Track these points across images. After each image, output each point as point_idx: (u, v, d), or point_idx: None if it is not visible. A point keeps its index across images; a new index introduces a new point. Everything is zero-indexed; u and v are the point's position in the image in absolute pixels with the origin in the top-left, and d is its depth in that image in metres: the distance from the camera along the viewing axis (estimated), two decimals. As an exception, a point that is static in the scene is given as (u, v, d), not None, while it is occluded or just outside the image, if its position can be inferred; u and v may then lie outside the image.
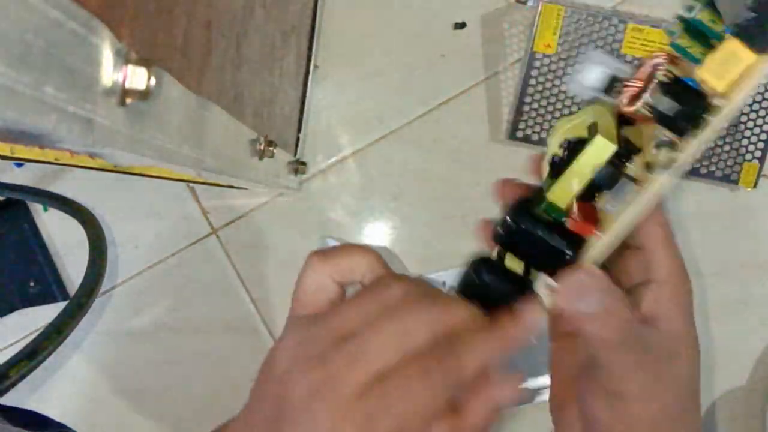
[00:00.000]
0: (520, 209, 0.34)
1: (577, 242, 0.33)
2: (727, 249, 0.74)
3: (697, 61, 0.29)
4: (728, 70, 0.27)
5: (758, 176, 0.71)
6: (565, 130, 0.34)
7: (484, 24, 0.76)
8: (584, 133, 0.33)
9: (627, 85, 0.32)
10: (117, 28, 0.29)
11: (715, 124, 0.29)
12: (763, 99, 0.70)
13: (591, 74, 0.36)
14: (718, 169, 0.72)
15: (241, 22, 0.50)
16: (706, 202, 0.74)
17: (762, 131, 0.71)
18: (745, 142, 0.71)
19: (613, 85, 0.36)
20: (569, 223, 0.33)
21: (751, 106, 0.71)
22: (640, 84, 0.31)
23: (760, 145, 0.71)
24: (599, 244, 0.33)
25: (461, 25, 0.77)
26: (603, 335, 0.32)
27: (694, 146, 0.30)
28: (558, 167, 0.34)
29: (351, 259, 0.35)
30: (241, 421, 0.35)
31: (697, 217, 0.74)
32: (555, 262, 0.33)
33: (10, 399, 0.62)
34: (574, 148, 0.33)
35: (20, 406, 0.58)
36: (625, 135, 0.34)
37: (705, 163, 0.72)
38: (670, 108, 0.29)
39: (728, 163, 0.71)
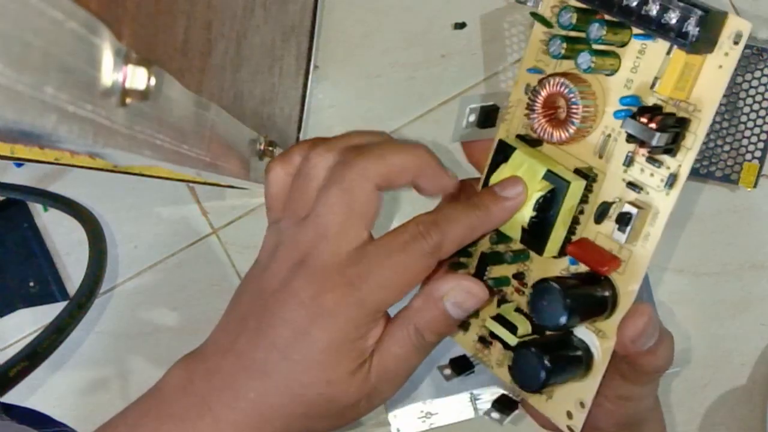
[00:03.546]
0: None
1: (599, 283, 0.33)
2: (727, 249, 0.74)
3: (612, 73, 0.33)
4: (687, 81, 0.30)
5: (758, 176, 0.71)
6: (528, 195, 0.34)
7: (484, 24, 0.76)
8: (539, 186, 0.34)
9: (530, 114, 0.34)
10: (117, 28, 0.29)
11: (703, 128, 0.31)
12: (764, 99, 0.70)
13: (464, 116, 0.37)
14: (718, 169, 0.72)
15: (241, 22, 0.50)
16: (706, 202, 0.74)
17: (762, 131, 0.71)
18: (745, 142, 0.71)
19: (489, 118, 0.37)
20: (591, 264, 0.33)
21: (751, 106, 0.71)
22: (545, 109, 0.34)
23: (760, 145, 0.71)
24: (634, 273, 0.33)
25: (461, 25, 0.76)
26: (660, 364, 0.34)
27: (692, 154, 0.32)
28: (535, 228, 0.34)
29: (301, 150, 0.35)
30: (216, 329, 0.34)
31: (697, 217, 0.74)
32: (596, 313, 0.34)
33: (10, 399, 0.62)
34: (545, 205, 0.34)
35: (21, 405, 0.58)
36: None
37: (705, 163, 0.72)
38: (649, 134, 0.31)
39: (728, 163, 0.71)
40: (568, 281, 0.33)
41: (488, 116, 0.37)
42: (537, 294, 0.32)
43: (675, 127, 0.31)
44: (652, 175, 0.32)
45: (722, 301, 0.74)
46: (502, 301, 0.36)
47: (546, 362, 0.32)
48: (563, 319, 0.32)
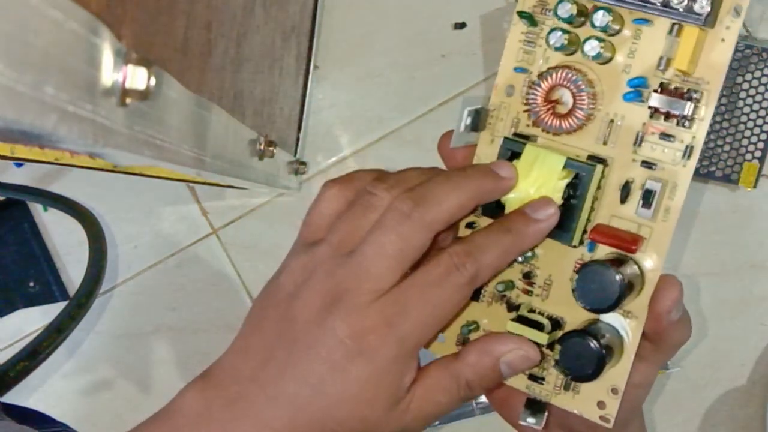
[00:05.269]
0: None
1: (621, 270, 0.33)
2: (726, 249, 0.74)
3: (608, 61, 0.34)
4: (696, 55, 0.32)
5: (758, 176, 0.71)
6: (553, 186, 0.34)
7: (484, 24, 0.76)
8: (562, 175, 0.34)
9: (529, 110, 0.35)
10: (117, 28, 0.29)
11: (713, 98, 0.33)
12: (764, 99, 0.70)
13: (462, 119, 0.36)
14: (718, 169, 0.72)
15: (241, 22, 0.50)
16: (706, 202, 0.74)
17: (762, 131, 0.71)
18: (745, 142, 0.71)
19: (479, 119, 0.36)
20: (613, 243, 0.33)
21: (751, 106, 0.71)
22: (546, 103, 0.34)
23: (760, 145, 0.71)
24: (657, 249, 0.33)
25: (461, 25, 0.77)
26: (686, 334, 0.35)
27: (705, 124, 0.33)
28: (561, 218, 0.34)
29: (363, 179, 0.34)
30: (233, 353, 0.33)
31: (697, 217, 0.74)
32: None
33: (10, 399, 0.62)
34: (570, 194, 0.34)
35: (21, 404, 0.58)
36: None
37: (705, 163, 0.72)
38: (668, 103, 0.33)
39: (728, 163, 0.71)
40: (610, 263, 0.33)
41: (478, 118, 0.36)
42: (585, 278, 0.32)
43: (691, 99, 0.33)
44: (664, 150, 0.33)
45: (722, 301, 0.74)
46: (510, 306, 0.36)
47: (600, 344, 0.33)
48: (615, 299, 0.32)
